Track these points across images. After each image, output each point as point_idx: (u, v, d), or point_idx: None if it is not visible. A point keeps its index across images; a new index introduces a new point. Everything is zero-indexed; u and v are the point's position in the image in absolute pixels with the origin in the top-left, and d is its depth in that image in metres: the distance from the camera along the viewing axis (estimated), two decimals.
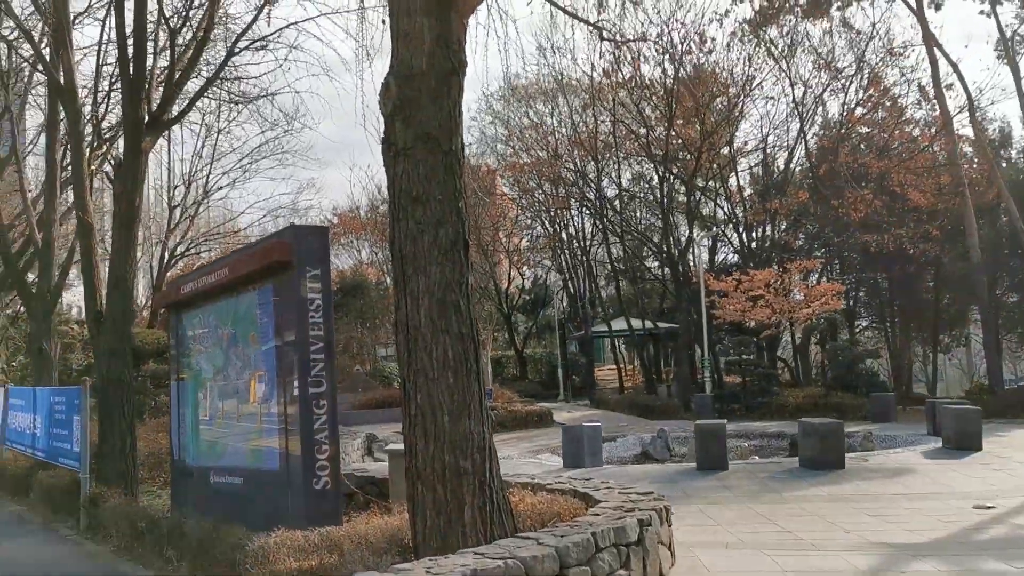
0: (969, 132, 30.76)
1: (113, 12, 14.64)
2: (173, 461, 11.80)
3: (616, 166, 36.47)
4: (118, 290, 13.44)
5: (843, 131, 35.36)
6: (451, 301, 7.48)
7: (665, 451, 21.54)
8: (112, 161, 16.80)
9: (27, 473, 15.39)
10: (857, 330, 40.78)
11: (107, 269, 14.14)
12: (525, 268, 54.63)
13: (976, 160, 31.64)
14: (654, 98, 33.85)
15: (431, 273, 7.47)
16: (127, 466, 12.84)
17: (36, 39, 17.66)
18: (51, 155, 19.27)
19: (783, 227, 36.97)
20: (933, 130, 33.42)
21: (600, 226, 37.77)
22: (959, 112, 28.41)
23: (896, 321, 40.86)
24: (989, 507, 11.21)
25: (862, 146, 36.01)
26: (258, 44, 16.64)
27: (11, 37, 20.29)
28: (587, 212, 38.25)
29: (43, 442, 15.29)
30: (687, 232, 35.44)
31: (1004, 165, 34.89)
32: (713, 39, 33.07)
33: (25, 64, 22.52)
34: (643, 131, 33.60)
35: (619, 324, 39.80)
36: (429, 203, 7.52)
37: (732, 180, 38.29)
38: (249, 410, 9.99)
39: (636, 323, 36.79)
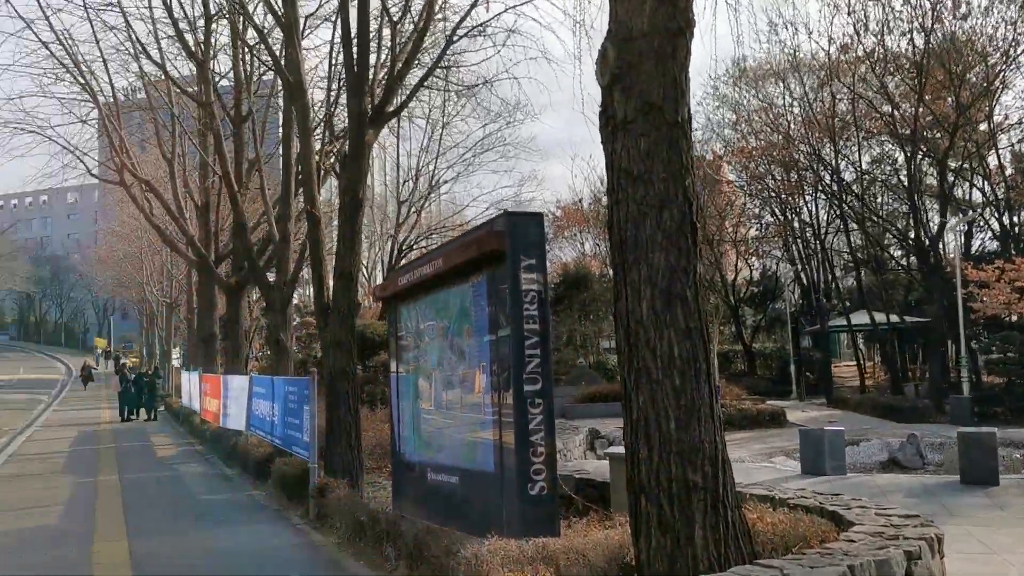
0: None
1: (339, 9, 14.87)
2: (394, 453, 11.70)
3: (856, 147, 33.60)
4: (343, 282, 13.61)
5: None
6: (677, 292, 6.63)
7: (917, 458, 19.43)
8: (339, 156, 17.27)
9: (266, 458, 16.03)
10: None
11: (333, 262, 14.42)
12: (753, 259, 52.19)
13: None
14: (900, 72, 30.88)
15: (654, 260, 6.66)
16: (352, 457, 12.96)
17: (270, 43, 18.45)
18: (287, 153, 20.22)
19: None
20: None
21: (837, 212, 35.01)
22: None
23: None
24: None
25: None
26: (476, 31, 16.40)
27: (252, 42, 21.52)
28: (822, 198, 35.62)
29: (279, 430, 15.89)
30: (938, 217, 32.07)
31: None
32: (969, 2, 29.70)
33: (264, 69, 23.87)
34: (887, 108, 30.69)
35: (859, 318, 36.82)
36: (652, 182, 6.72)
37: (991, 159, 34.40)
38: (464, 408, 9.60)
39: (879, 317, 33.79)
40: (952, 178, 32.79)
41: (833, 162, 32.71)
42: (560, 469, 12.22)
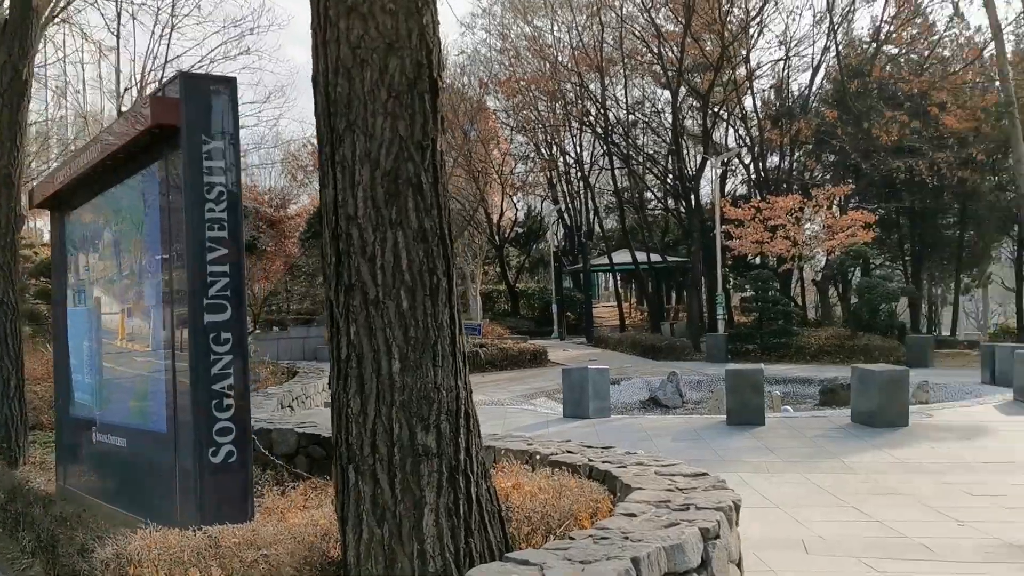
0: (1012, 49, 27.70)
1: None
2: (56, 407, 9.01)
3: (623, 85, 33.08)
4: (3, 189, 10.49)
5: (872, 50, 32.16)
6: (407, 176, 4.60)
7: (676, 396, 18.94)
8: None
9: None
10: (872, 268, 38.02)
11: None
12: (519, 197, 51.61)
13: None
14: (667, 7, 30.47)
15: (375, 129, 4.58)
16: (11, 412, 10.04)
17: None
18: None
19: (801, 153, 33.97)
20: (969, 49, 30.34)
21: (604, 149, 34.54)
22: (1017, 18, 25.15)
23: (913, 260, 38.13)
24: None
25: (890, 67, 32.84)
26: None
27: None
28: (588, 134, 35.03)
29: None
30: (699, 159, 32.29)
31: None
32: None
33: None
34: (654, 44, 30.24)
35: (621, 257, 36.90)
36: (373, 15, 4.60)
37: (747, 103, 35.19)
38: (136, 347, 7.15)
39: (640, 256, 33.86)
40: (711, 121, 33.12)
41: (600, 96, 31.98)
42: (285, 422, 10.05)
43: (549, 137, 37.38)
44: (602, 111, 31.77)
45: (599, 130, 32.92)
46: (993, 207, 33.42)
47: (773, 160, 35.54)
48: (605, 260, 38.30)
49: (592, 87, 31.73)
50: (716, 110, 35.70)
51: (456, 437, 4.58)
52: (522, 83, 32.85)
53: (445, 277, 4.68)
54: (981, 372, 17.40)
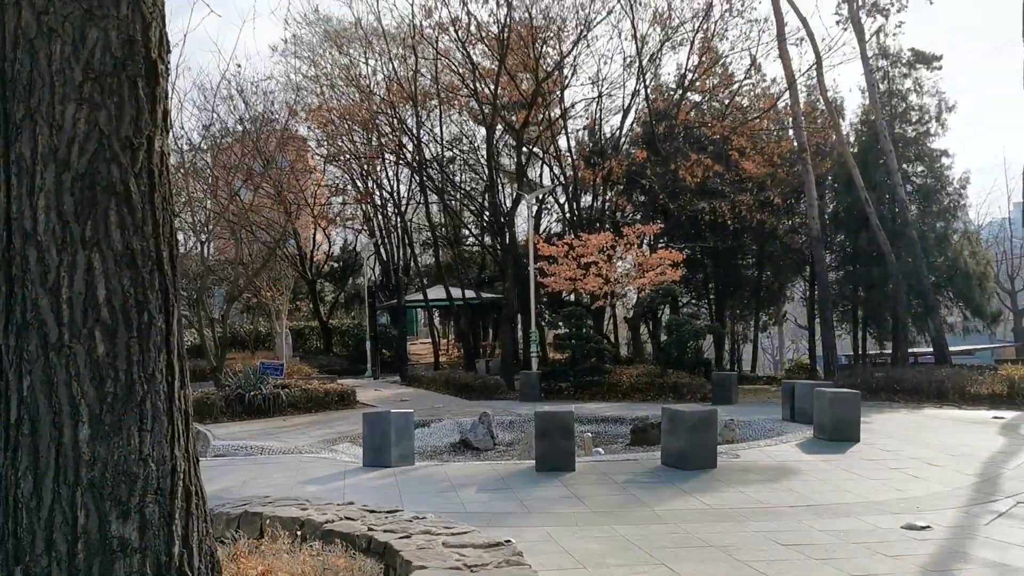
0: (804, 99, 29.38)
1: None
2: None
3: (438, 118, 32.53)
4: None
5: (678, 95, 33.33)
6: (109, 182, 3.56)
7: (488, 438, 18.22)
8: None
9: None
10: (681, 306, 39.22)
11: None
12: (335, 231, 50.03)
13: (819, 122, 30.25)
14: (482, 43, 30.30)
15: (66, 120, 3.51)
16: None
17: None
18: None
19: (613, 193, 34.61)
20: (765, 99, 32.01)
21: (418, 183, 33.81)
22: (809, 69, 26.61)
23: (716, 298, 39.70)
24: (923, 527, 8.47)
25: (694, 113, 34.21)
26: None
27: None
28: (403, 167, 34.25)
29: None
30: (512, 195, 32.15)
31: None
32: None
33: None
34: (470, 80, 29.95)
35: (436, 293, 36.18)
36: None
37: (562, 142, 35.61)
38: None
39: (456, 292, 33.24)
40: (526, 158, 33.16)
41: (415, 127, 31.31)
42: None
43: (364, 170, 36.26)
44: (416, 144, 31.05)
45: (414, 164, 32.17)
46: (788, 249, 35.25)
47: (587, 200, 36.07)
48: (421, 296, 37.42)
49: (409, 121, 31.00)
50: (531, 148, 35.94)
51: (169, 524, 3.50)
52: (334, 113, 31.63)
53: (161, 314, 3.63)
54: (782, 408, 17.74)
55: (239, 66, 26.96)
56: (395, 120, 30.41)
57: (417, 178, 33.21)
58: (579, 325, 25.27)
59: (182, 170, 30.24)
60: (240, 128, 32.25)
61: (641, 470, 11.56)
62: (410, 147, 31.56)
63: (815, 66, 25.30)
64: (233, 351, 34.84)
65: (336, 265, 50.69)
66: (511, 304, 28.21)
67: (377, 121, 30.83)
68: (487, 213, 30.94)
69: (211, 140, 28.61)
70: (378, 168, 35.35)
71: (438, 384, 27.51)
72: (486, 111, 28.37)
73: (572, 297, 33.39)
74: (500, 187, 32.67)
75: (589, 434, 15.32)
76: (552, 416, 11.77)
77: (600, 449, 15.17)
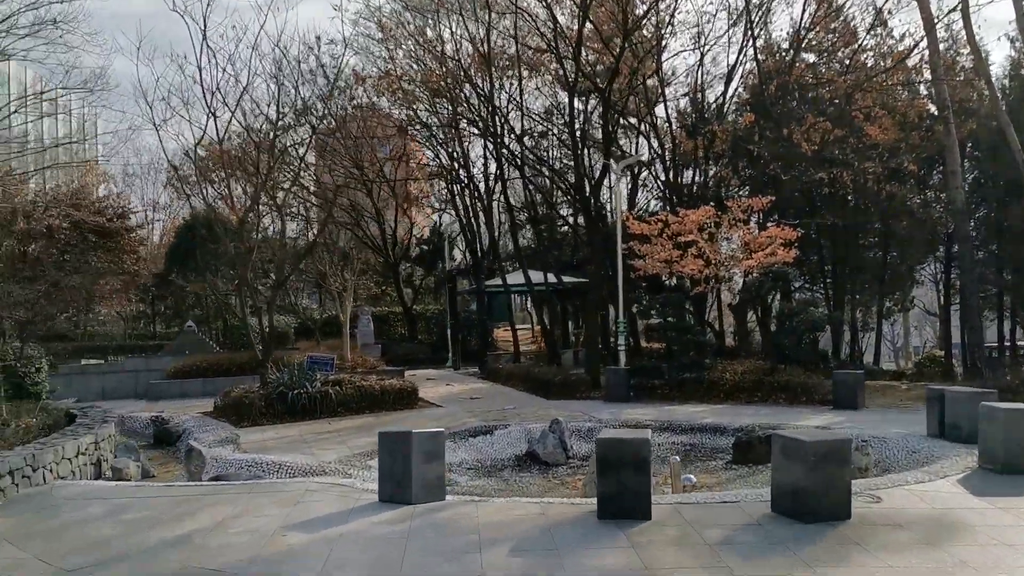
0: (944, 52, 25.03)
1: None
2: None
3: (519, 87, 29.34)
4: None
5: (790, 55, 29.31)
6: None
7: (559, 450, 15.31)
8: None
9: None
10: (794, 292, 35.12)
11: None
12: (421, 212, 47.81)
13: (961, 76, 25.86)
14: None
15: None
16: None
17: None
18: None
19: (717, 166, 30.91)
20: (893, 55, 27.68)
21: (495, 157, 30.86)
22: (952, 11, 22.33)
23: (834, 282, 35.41)
24: None
25: (810, 72, 30.08)
26: None
27: None
28: (485, 141, 31.38)
29: None
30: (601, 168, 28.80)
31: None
32: None
33: None
34: (550, 36, 26.58)
35: (518, 278, 33.22)
36: None
37: (660, 112, 32.16)
38: None
39: (537, 277, 30.19)
40: (615, 127, 29.74)
41: (487, 94, 28.20)
42: None
43: (443, 143, 33.60)
44: (489, 110, 27.96)
45: (488, 135, 29.16)
46: (919, 225, 30.88)
47: (688, 176, 32.50)
48: (513, 280, 34.48)
49: (482, 85, 27.97)
50: (624, 117, 32.59)
51: None
52: (404, 80, 28.88)
53: None
54: (927, 420, 14.10)
55: (318, 38, 25.08)
56: (468, 85, 27.40)
57: (493, 152, 30.18)
58: (676, 313, 21.98)
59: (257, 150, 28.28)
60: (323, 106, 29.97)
61: (743, 521, 8.39)
62: (485, 115, 28.52)
63: (960, 5, 20.97)
64: (304, 339, 32.87)
65: (425, 248, 48.47)
66: (598, 288, 24.99)
67: (450, 88, 27.87)
68: (574, 184, 27.47)
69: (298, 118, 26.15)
70: (461, 141, 32.55)
71: (516, 379, 24.69)
72: (569, 70, 25.04)
73: (673, 282, 30.00)
74: (589, 160, 29.28)
75: (677, 458, 12.12)
76: (620, 445, 8.70)
77: (691, 477, 11.99)
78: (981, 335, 23.46)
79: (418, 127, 32.73)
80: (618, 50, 23.84)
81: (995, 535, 7.84)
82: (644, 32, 27.94)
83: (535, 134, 37.99)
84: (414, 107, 30.97)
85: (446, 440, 13.87)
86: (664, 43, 29.51)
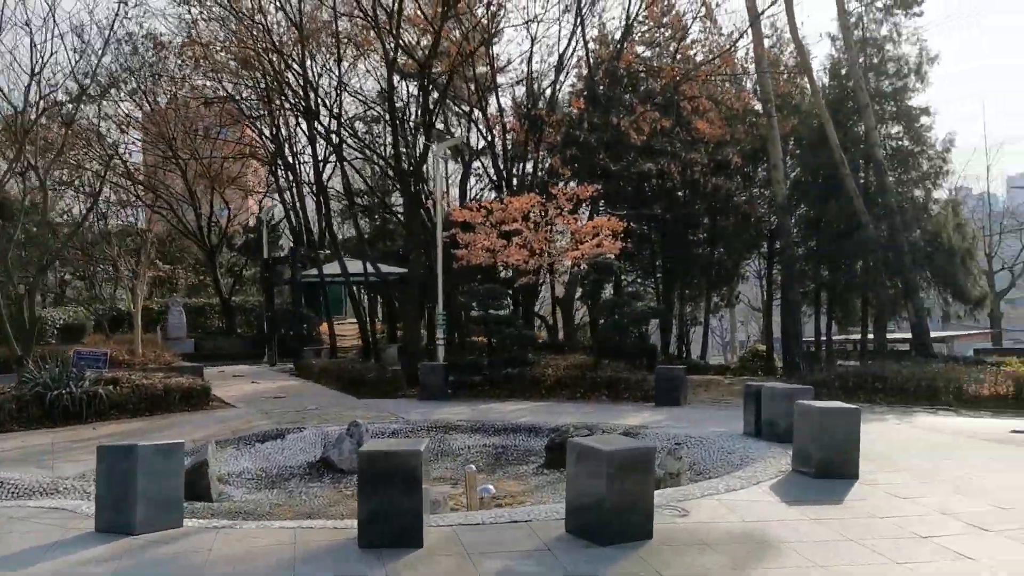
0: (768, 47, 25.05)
1: None
2: None
3: (337, 61, 27.23)
4: None
5: (621, 45, 28.74)
6: None
7: (356, 456, 13.65)
8: None
9: None
10: (624, 285, 34.83)
11: None
12: (256, 197, 44.99)
13: (785, 74, 25.95)
14: None
15: None
16: None
17: None
18: None
19: (548, 154, 30.03)
20: (721, 49, 27.60)
21: (309, 137, 28.74)
22: (771, 5, 22.14)
23: (665, 277, 35.45)
24: None
25: (639, 59, 29.65)
26: None
27: None
28: (298, 120, 29.19)
29: None
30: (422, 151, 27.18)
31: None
32: None
33: None
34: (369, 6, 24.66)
35: (336, 269, 31.25)
36: None
37: (496, 100, 31.06)
38: None
39: (354, 267, 28.34)
40: (436, 108, 28.19)
41: (311, 74, 26.13)
42: None
43: (264, 123, 31.15)
44: (302, 84, 25.77)
45: (301, 111, 26.98)
46: (744, 221, 31.13)
47: (522, 166, 31.50)
48: (331, 270, 32.38)
49: (297, 57, 25.77)
50: (459, 106, 31.34)
51: None
52: (211, 47, 26.24)
53: None
54: (744, 419, 13.41)
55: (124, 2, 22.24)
56: (275, 55, 25.04)
57: (307, 131, 28.03)
58: (497, 305, 20.80)
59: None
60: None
61: (531, 546, 7.11)
62: (296, 88, 26.31)
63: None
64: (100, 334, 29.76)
65: (252, 236, 45.52)
66: (416, 278, 23.44)
67: (260, 58, 25.48)
68: (393, 164, 25.63)
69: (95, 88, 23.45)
70: (275, 119, 30.20)
71: (330, 376, 22.86)
72: (388, 44, 23.28)
73: (510, 273, 28.86)
74: (413, 142, 27.53)
75: (472, 467, 10.77)
76: (386, 458, 7.24)
77: (490, 487, 10.66)
78: (800, 330, 23.53)
79: (228, 102, 30.06)
80: (439, 23, 22.32)
81: (809, 554, 6.88)
82: (475, 14, 26.65)
83: (368, 119, 36.16)
84: (220, 78, 28.33)
85: (215, 448, 12.15)
86: (497, 27, 28.33)
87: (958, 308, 29.07)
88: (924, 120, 27.54)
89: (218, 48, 26.25)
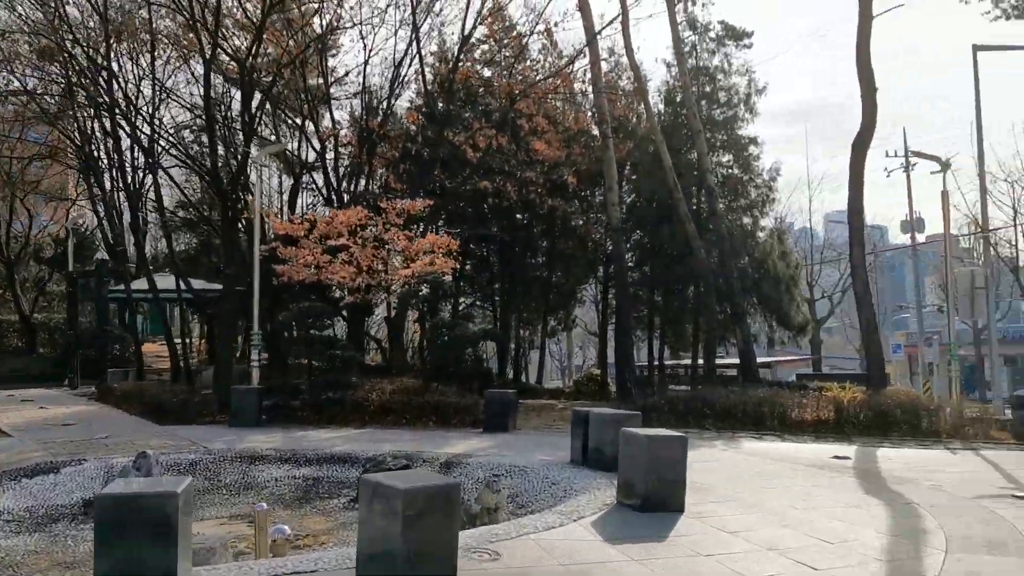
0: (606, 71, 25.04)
1: None
2: None
3: (151, 54, 25.15)
4: None
5: (458, 63, 28.11)
6: None
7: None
8: None
9: None
10: (461, 308, 34.02)
11: None
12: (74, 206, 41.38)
13: (623, 99, 26.00)
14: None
15: None
16: None
17: None
18: None
19: (384, 171, 28.92)
20: (559, 69, 27.48)
21: (113, 137, 26.41)
22: (613, 21, 22.03)
23: (503, 299, 34.93)
24: None
25: (477, 73, 29.11)
26: None
27: None
28: (101, 119, 26.77)
29: None
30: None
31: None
32: None
33: None
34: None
35: (155, 283, 28.87)
36: None
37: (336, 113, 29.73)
38: None
39: (165, 282, 26.23)
40: (260, 104, 26.57)
41: (117, 68, 23.90)
42: None
43: (65, 123, 28.43)
44: (106, 79, 23.55)
45: (105, 108, 24.71)
46: (581, 245, 31.03)
47: (356, 181, 30.21)
48: (140, 286, 29.87)
49: (103, 51, 23.54)
50: (291, 118, 29.78)
51: None
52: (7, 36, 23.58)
53: None
54: (571, 446, 12.72)
55: None
56: (77, 47, 22.69)
57: (111, 131, 25.74)
58: (320, 326, 19.47)
59: None
60: None
61: None
62: (104, 86, 24.05)
63: (620, 17, 20.70)
64: None
65: (60, 250, 41.88)
66: (231, 295, 21.68)
67: (60, 49, 23.07)
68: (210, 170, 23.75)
69: None
70: (76, 118, 27.60)
71: (133, 400, 20.80)
72: (206, 42, 21.56)
73: (345, 293, 27.42)
74: (234, 150, 25.67)
75: (264, 505, 9.49)
76: (133, 503, 5.94)
77: (285, 528, 9.40)
78: (632, 354, 23.39)
79: (22, 96, 27.19)
80: (259, 17, 20.88)
81: None
82: (302, 12, 25.32)
83: (196, 128, 33.92)
84: (12, 68, 25.55)
85: None
86: (329, 31, 27.07)
87: (782, 334, 30.01)
88: (752, 149, 28.39)
89: (14, 36, 23.64)
